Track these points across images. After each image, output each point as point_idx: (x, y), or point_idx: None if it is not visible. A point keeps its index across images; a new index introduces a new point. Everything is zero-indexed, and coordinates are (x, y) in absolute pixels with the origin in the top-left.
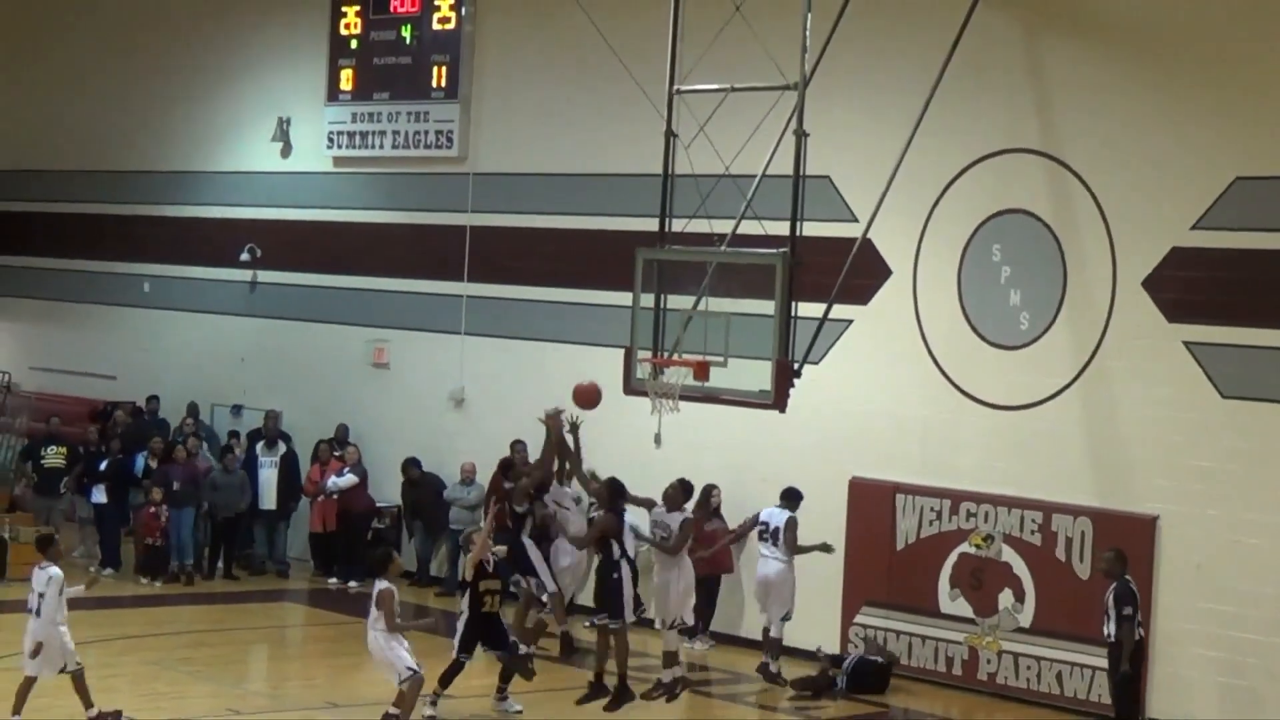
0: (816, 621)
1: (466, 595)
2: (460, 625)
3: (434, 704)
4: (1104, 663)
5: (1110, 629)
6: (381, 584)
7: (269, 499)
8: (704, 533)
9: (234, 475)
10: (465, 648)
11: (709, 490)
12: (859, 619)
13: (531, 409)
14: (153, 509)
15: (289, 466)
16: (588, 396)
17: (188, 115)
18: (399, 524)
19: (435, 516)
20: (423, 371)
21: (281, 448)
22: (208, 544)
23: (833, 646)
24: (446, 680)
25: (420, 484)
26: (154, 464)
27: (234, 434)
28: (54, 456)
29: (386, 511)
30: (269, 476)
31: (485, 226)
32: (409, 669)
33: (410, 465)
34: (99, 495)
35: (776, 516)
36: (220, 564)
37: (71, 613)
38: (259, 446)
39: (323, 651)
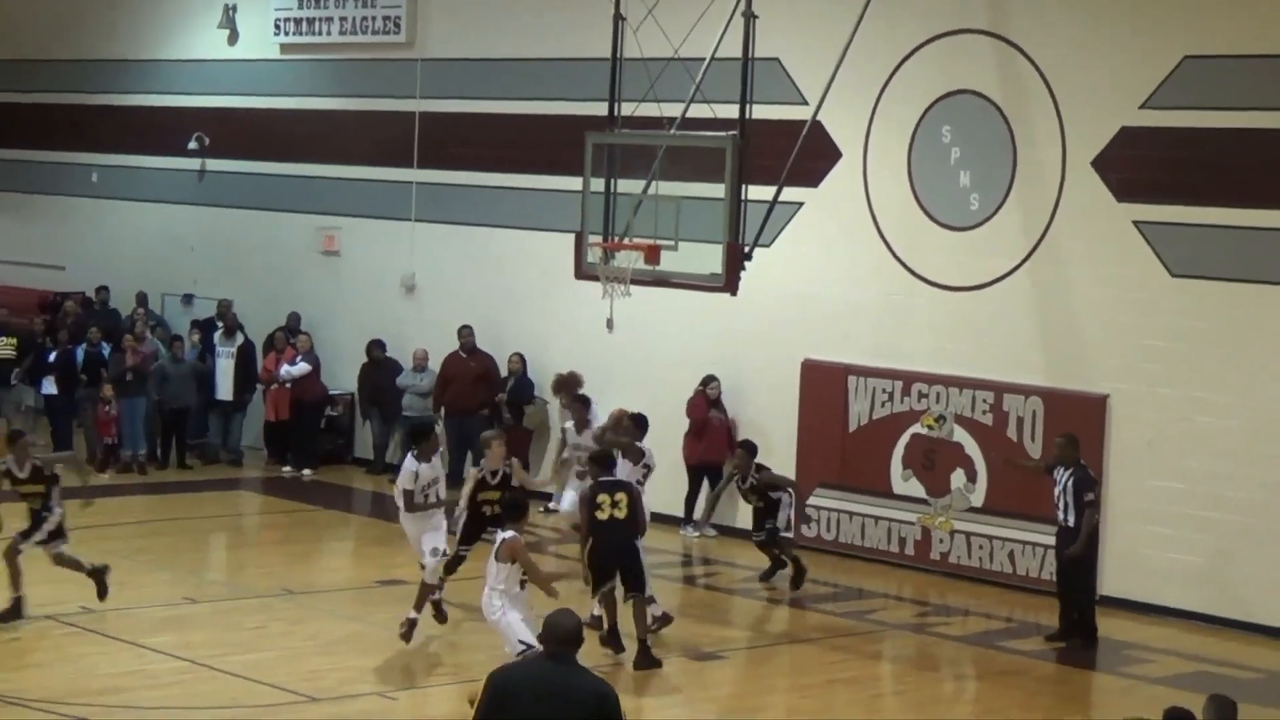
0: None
1: (466, 499)
2: (460, 522)
3: (440, 589)
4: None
5: (1068, 516)
6: (508, 534)
7: (225, 389)
8: (706, 421)
9: (183, 365)
10: (466, 540)
11: (708, 380)
12: (812, 501)
13: (482, 295)
14: (105, 406)
15: (245, 357)
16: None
17: (136, 3)
18: (352, 411)
19: (392, 401)
20: (373, 259)
21: (239, 338)
22: (159, 434)
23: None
24: (450, 569)
25: (382, 366)
26: (104, 354)
27: (195, 323)
28: (4, 347)
29: (339, 399)
30: (226, 367)
31: (434, 112)
32: (521, 643)
33: (374, 346)
34: (49, 386)
35: None
36: (173, 454)
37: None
38: (216, 336)
39: (278, 539)
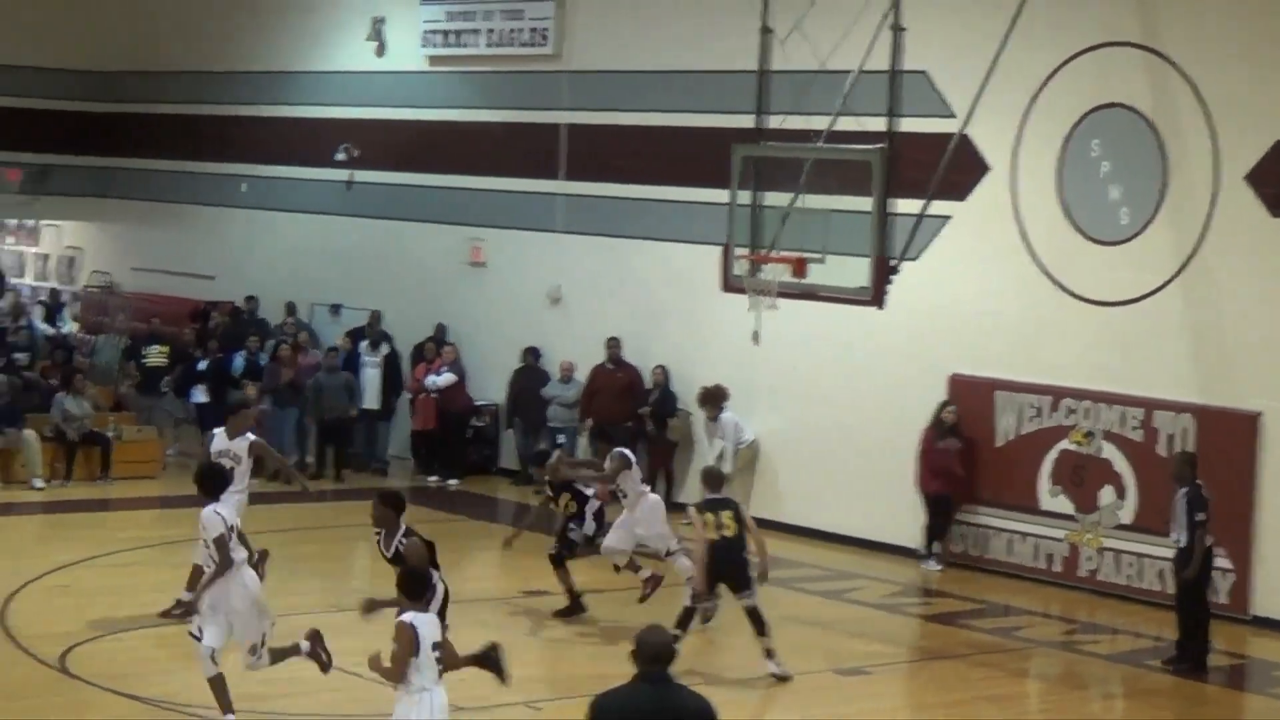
0: (917, 521)
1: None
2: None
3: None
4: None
5: (1180, 535)
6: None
7: (372, 399)
8: (935, 450)
9: (338, 376)
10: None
11: (943, 407)
12: (959, 517)
13: (627, 307)
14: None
15: (391, 366)
16: None
17: (284, 16)
18: (497, 422)
19: (538, 411)
20: (519, 270)
21: (385, 348)
22: (315, 444)
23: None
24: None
25: (532, 374)
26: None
27: (351, 334)
28: (156, 356)
29: (485, 410)
30: (372, 376)
31: (581, 124)
32: None
33: (529, 353)
34: (199, 395)
35: None
36: (330, 466)
37: (176, 510)
38: (362, 346)
39: None
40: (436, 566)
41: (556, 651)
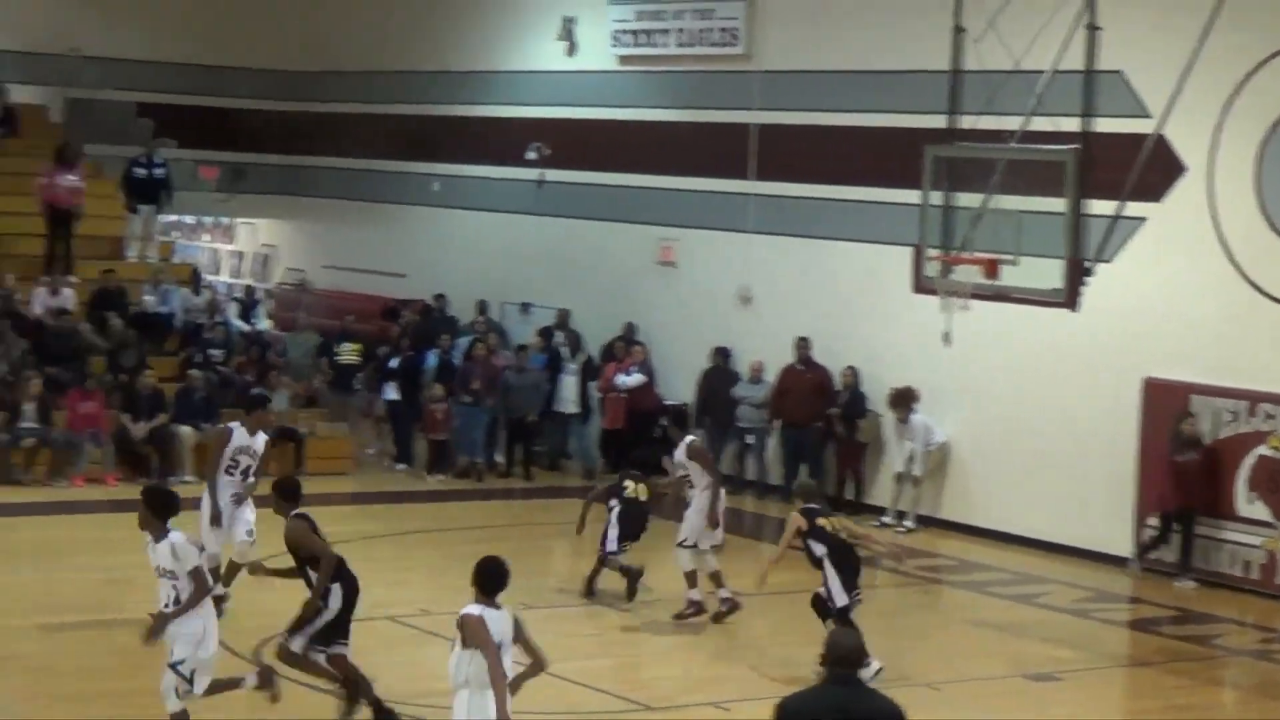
0: (1109, 525)
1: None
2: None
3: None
4: None
5: None
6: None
7: (570, 402)
8: (1175, 464)
9: (527, 375)
10: None
11: (1182, 419)
12: (1153, 522)
13: (817, 307)
14: (432, 405)
15: (589, 372)
16: None
17: (475, 16)
18: (686, 421)
19: (726, 411)
20: (709, 270)
21: (583, 355)
22: (505, 444)
23: (1125, 550)
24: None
25: (721, 375)
26: (454, 361)
27: (542, 332)
28: (349, 353)
29: (674, 409)
30: (570, 382)
31: (771, 124)
32: None
33: (718, 353)
34: (391, 392)
35: None
36: (518, 465)
37: (369, 506)
38: (563, 351)
39: None
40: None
41: (745, 652)
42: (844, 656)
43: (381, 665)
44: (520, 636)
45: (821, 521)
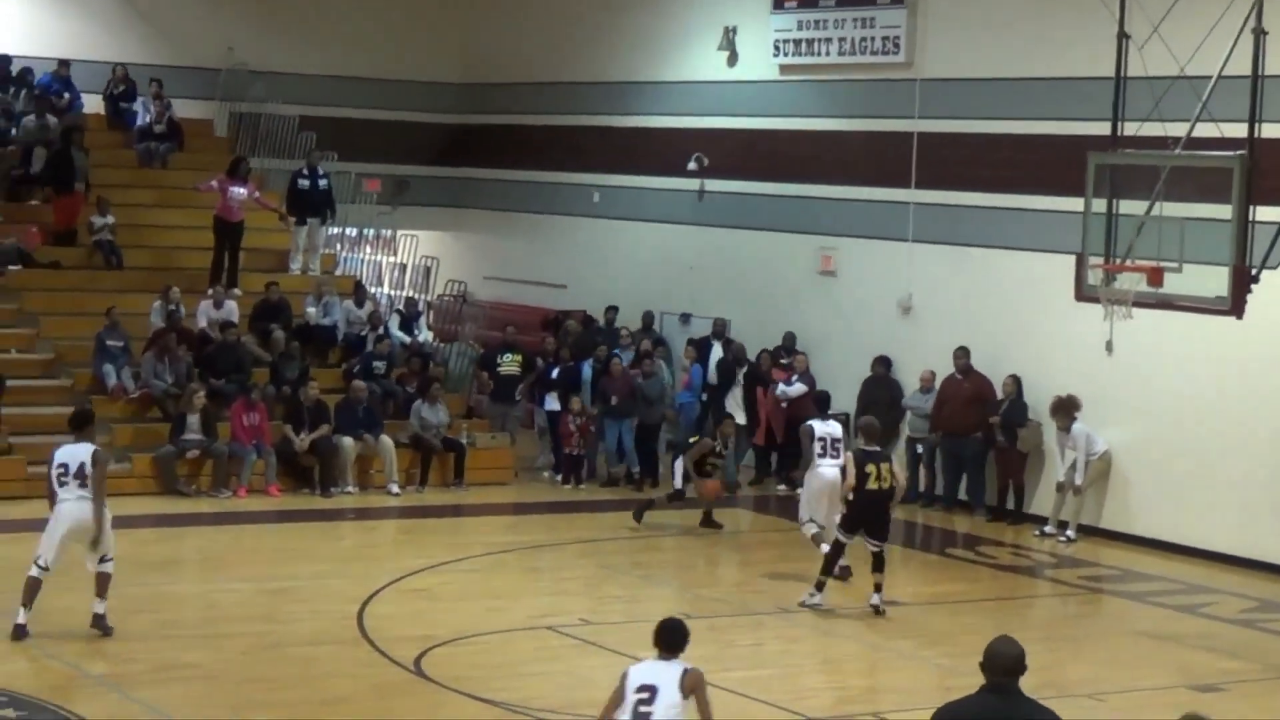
0: (1276, 534)
1: None
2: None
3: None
4: None
5: None
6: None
7: (735, 414)
8: None
9: (653, 383)
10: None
11: None
12: None
13: (978, 316)
14: (568, 417)
15: (752, 385)
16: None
17: (636, 26)
18: (847, 431)
19: (887, 422)
20: (870, 279)
21: (746, 366)
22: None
23: None
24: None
25: (882, 384)
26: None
27: (691, 342)
28: (509, 364)
29: (834, 419)
30: (735, 396)
31: (932, 132)
32: None
33: (879, 362)
34: (551, 402)
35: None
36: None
37: (529, 517)
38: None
39: (773, 558)
40: None
41: (902, 662)
42: (1003, 665)
43: (541, 676)
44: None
45: (870, 467)
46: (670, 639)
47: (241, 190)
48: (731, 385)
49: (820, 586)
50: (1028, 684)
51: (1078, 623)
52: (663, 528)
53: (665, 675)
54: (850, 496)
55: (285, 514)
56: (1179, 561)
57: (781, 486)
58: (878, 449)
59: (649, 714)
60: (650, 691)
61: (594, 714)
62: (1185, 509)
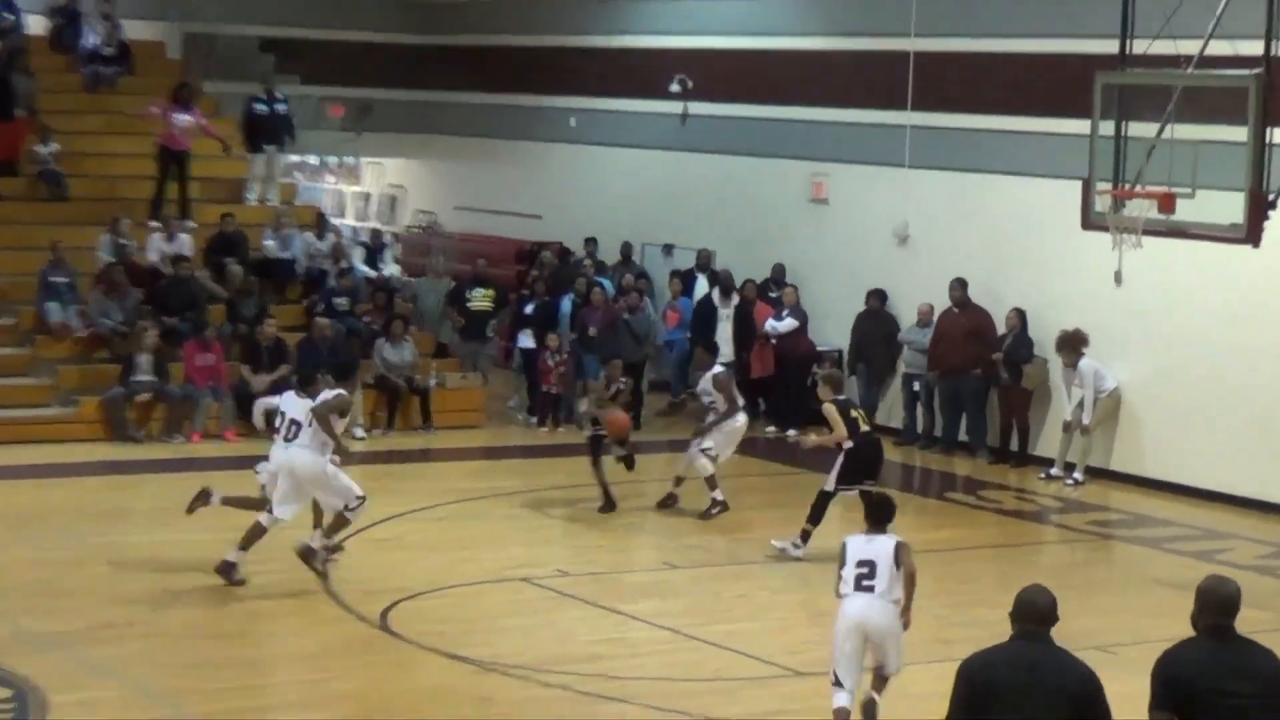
0: None
1: None
2: None
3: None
4: None
5: None
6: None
7: (725, 352)
8: None
9: (640, 318)
10: None
11: None
12: None
13: (978, 246)
14: (546, 354)
15: (744, 318)
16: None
17: None
18: (840, 368)
19: (883, 358)
20: (863, 208)
21: (735, 299)
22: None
23: None
24: None
25: (875, 317)
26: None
27: (675, 273)
28: (481, 299)
29: (827, 356)
30: (725, 330)
31: (930, 52)
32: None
33: (873, 295)
34: (525, 340)
35: None
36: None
37: (501, 462)
38: (715, 296)
39: (760, 503)
40: None
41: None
42: (1035, 612)
43: (516, 630)
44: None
45: (855, 414)
46: (880, 514)
47: (187, 116)
48: (714, 320)
49: (806, 537)
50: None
51: (1086, 570)
52: (646, 473)
53: (882, 550)
54: (849, 445)
55: (242, 460)
56: (1193, 505)
57: (770, 429)
58: (846, 398)
59: (871, 587)
60: (869, 566)
61: (571, 670)
62: (1199, 449)
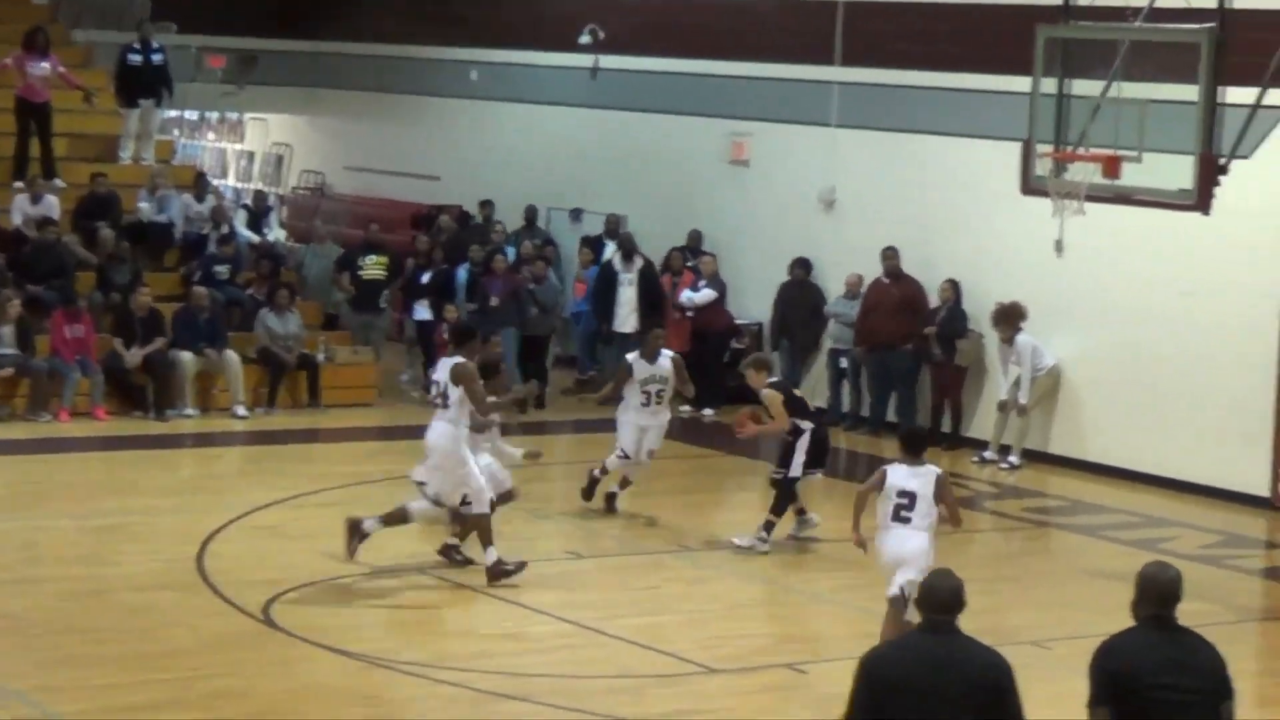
0: (1242, 461)
1: None
2: None
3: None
4: None
5: None
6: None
7: (627, 321)
8: None
9: (547, 288)
10: None
11: None
12: None
13: (911, 212)
14: (443, 327)
15: (649, 282)
16: None
17: None
18: (760, 344)
19: (807, 332)
20: (788, 170)
21: (638, 262)
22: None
23: (1263, 489)
24: None
25: (802, 289)
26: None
27: (585, 240)
28: (373, 267)
29: (747, 330)
30: (628, 296)
31: (860, 2)
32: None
33: (797, 265)
34: (422, 311)
35: None
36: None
37: (395, 442)
38: (616, 260)
39: (674, 488)
40: None
41: (819, 606)
42: (943, 603)
43: (409, 625)
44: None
45: (798, 393)
46: (916, 444)
47: (44, 65)
48: (615, 285)
49: (769, 528)
50: (965, 629)
51: (1022, 561)
52: (551, 455)
53: (921, 482)
54: (809, 426)
55: (113, 440)
56: (1135, 491)
57: (685, 409)
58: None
59: (909, 519)
60: (909, 498)
61: (467, 667)
62: (1142, 432)
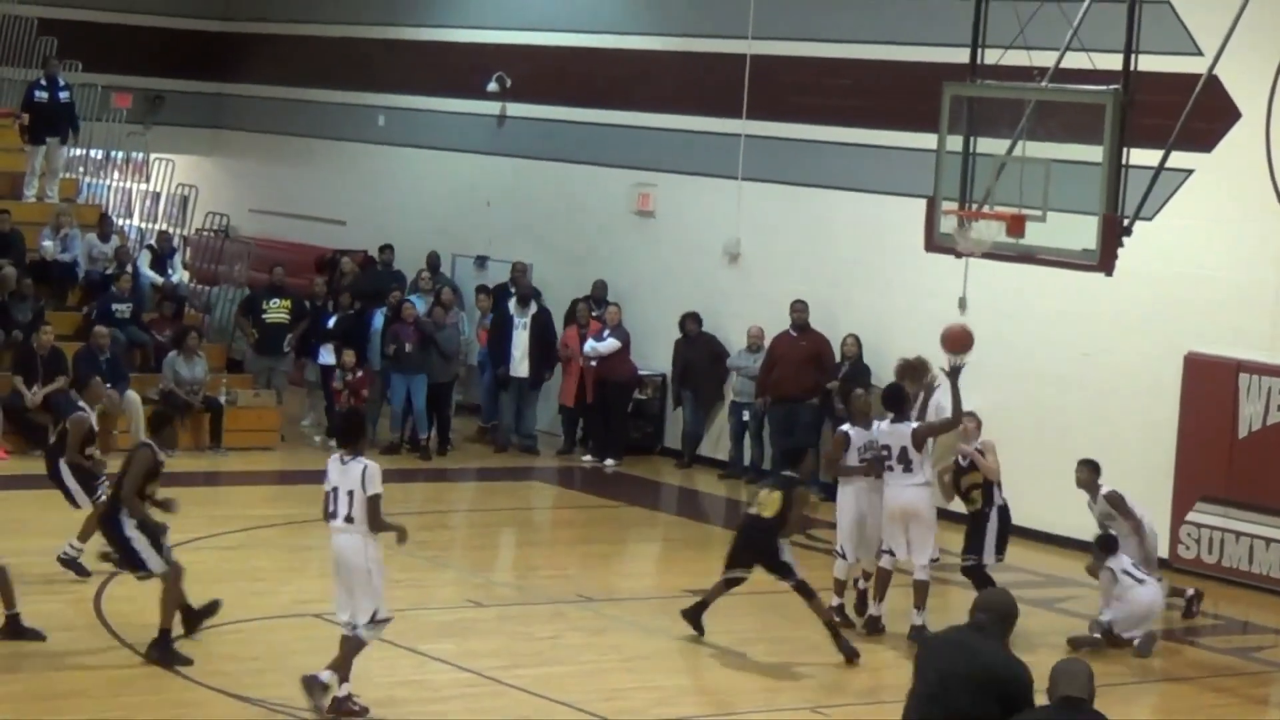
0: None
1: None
2: None
3: None
4: None
5: None
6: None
7: (521, 365)
8: None
9: (449, 334)
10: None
11: None
12: (1192, 517)
13: (815, 266)
14: (344, 373)
15: (542, 328)
16: (959, 340)
17: None
18: (663, 395)
19: (709, 385)
20: (693, 221)
21: (533, 307)
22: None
23: (1161, 550)
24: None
25: (696, 343)
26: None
27: (482, 289)
28: (277, 310)
29: (650, 381)
30: (521, 339)
31: (767, 55)
32: None
33: (689, 319)
34: (326, 356)
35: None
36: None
37: (296, 487)
38: (511, 305)
39: (575, 538)
40: None
41: (721, 659)
42: (994, 607)
43: (308, 670)
44: None
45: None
46: (897, 403)
47: None
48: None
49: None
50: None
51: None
52: (451, 503)
53: (900, 434)
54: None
55: (13, 479)
56: (1037, 550)
57: (587, 458)
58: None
59: (892, 467)
60: (887, 450)
61: (367, 718)
62: (1044, 489)
